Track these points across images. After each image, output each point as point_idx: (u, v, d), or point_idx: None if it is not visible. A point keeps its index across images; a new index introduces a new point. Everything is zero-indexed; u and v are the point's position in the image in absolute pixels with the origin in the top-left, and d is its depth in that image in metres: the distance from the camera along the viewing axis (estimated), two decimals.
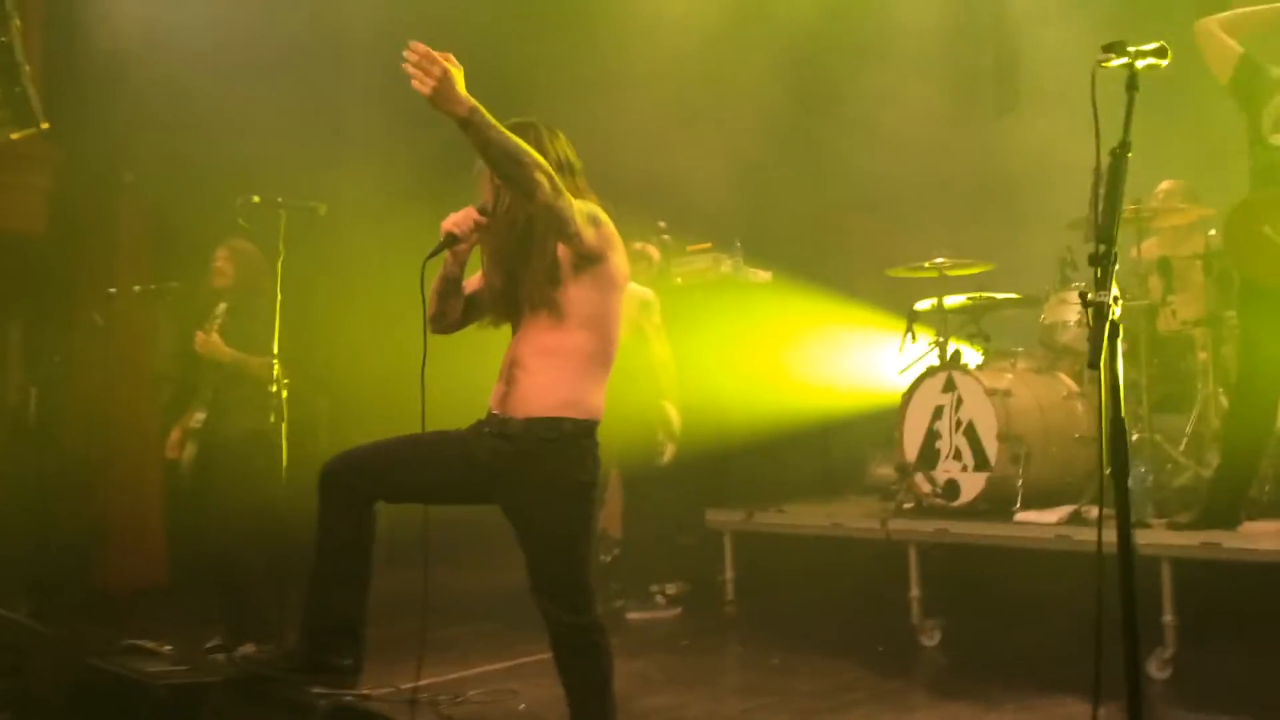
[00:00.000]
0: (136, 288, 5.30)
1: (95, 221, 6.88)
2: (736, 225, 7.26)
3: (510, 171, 2.63)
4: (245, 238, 4.96)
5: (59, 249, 6.69)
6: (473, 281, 3.06)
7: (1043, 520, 4.70)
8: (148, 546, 6.97)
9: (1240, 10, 4.29)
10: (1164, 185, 5.41)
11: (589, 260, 2.82)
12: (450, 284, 2.96)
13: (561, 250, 2.82)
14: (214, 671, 3.37)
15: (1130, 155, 2.26)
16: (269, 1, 6.66)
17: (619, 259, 2.89)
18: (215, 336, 4.84)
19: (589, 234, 2.77)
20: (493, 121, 2.57)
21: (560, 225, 2.71)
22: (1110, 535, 2.20)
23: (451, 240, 2.86)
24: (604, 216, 2.85)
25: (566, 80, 7.21)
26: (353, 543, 2.96)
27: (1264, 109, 4.13)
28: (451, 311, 3.00)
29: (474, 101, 2.54)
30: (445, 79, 2.48)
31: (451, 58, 2.53)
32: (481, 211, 2.88)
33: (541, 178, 2.63)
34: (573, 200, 2.74)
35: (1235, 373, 4.57)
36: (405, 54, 2.49)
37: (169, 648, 4.18)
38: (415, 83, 2.48)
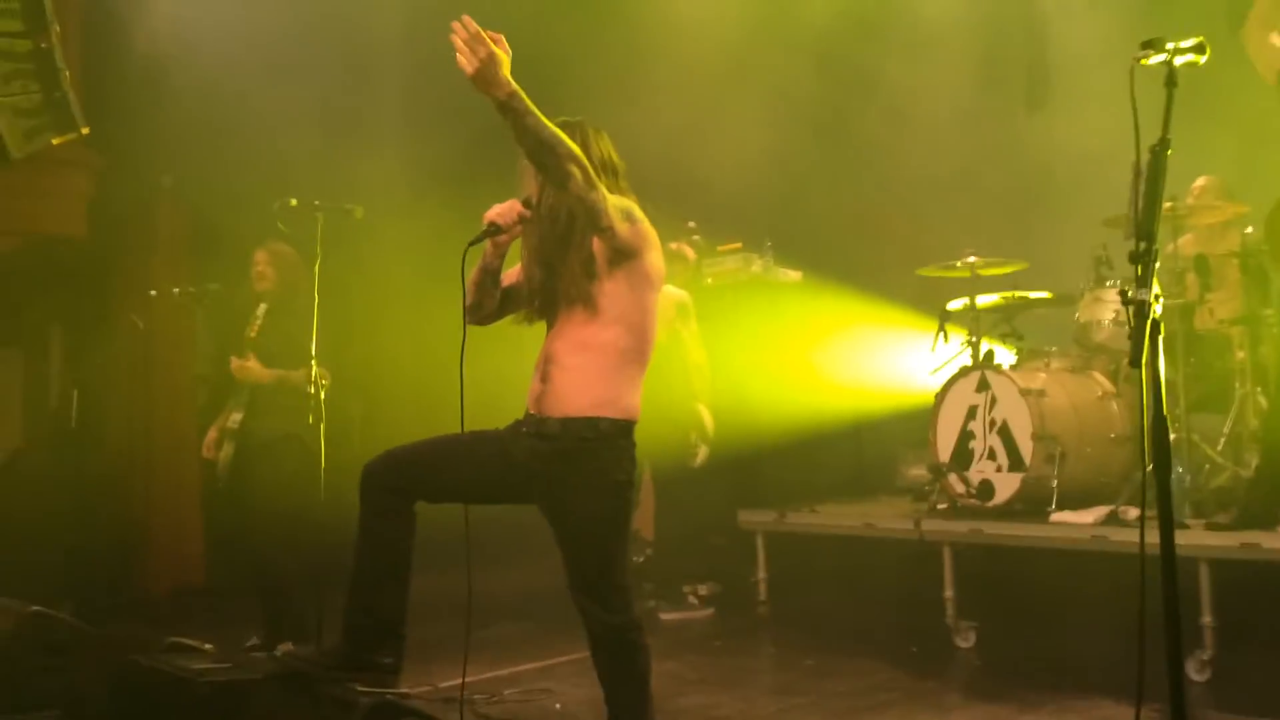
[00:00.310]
0: (176, 290, 5.37)
1: (135, 225, 6.97)
2: (766, 225, 7.26)
3: (544, 159, 2.66)
4: (283, 240, 5.02)
5: (99, 252, 6.77)
6: (510, 274, 3.08)
7: (1079, 521, 4.67)
8: (186, 548, 7.05)
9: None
10: (1199, 181, 5.36)
11: (624, 255, 2.83)
12: (488, 275, 2.99)
13: (597, 246, 2.84)
14: (256, 669, 3.42)
15: (1170, 152, 2.25)
16: (299, 4, 6.72)
17: (654, 257, 2.91)
18: (252, 362, 4.91)
19: (623, 228, 2.79)
20: (532, 108, 2.60)
21: (593, 217, 2.73)
22: (1151, 536, 2.18)
23: (494, 230, 2.89)
24: (639, 214, 2.86)
25: (597, 79, 7.23)
26: (393, 542, 2.99)
27: None
28: (489, 302, 3.02)
29: (515, 86, 2.57)
30: (490, 59, 2.52)
31: (502, 40, 2.57)
32: (525, 204, 2.91)
33: (574, 169, 2.65)
34: (608, 194, 2.76)
35: (1275, 371, 4.50)
36: (455, 27, 2.52)
37: (210, 646, 4.25)
38: (461, 59, 2.52)
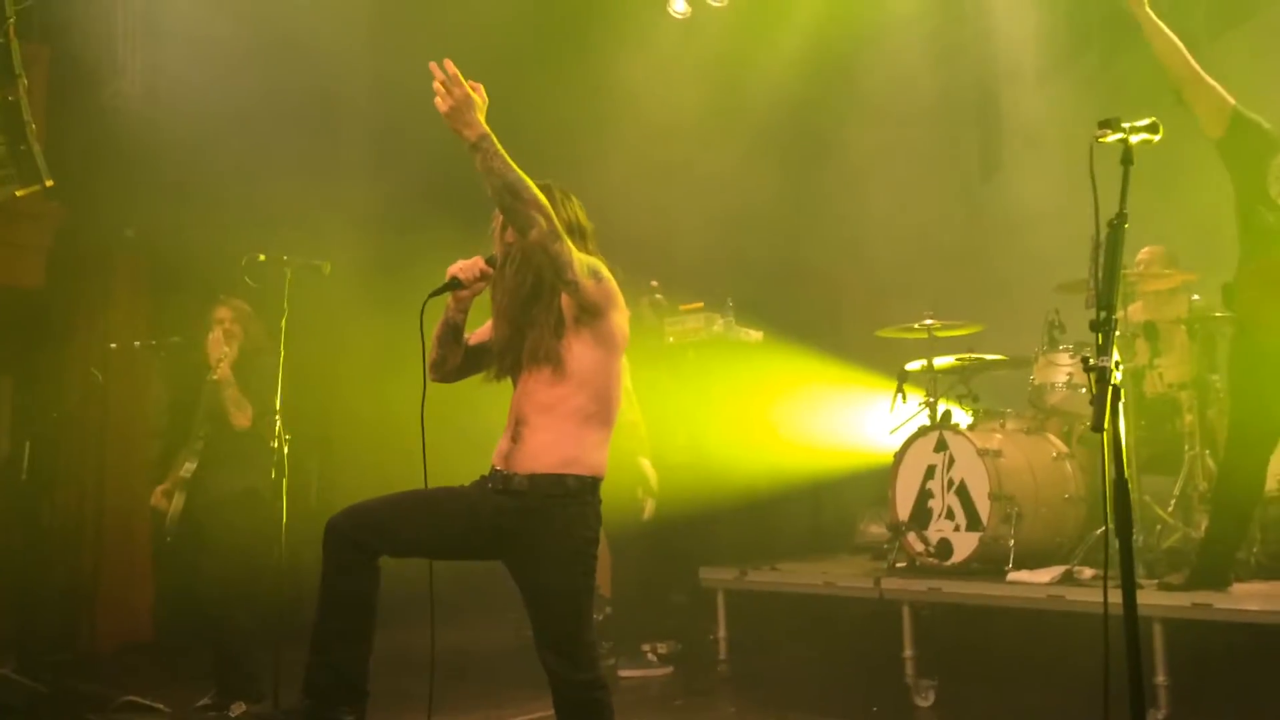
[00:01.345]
0: (137, 343, 5.33)
1: (95, 277, 6.92)
2: (728, 285, 7.36)
3: (508, 203, 2.72)
4: (240, 296, 5.01)
5: (57, 304, 6.71)
6: (478, 333, 3.11)
7: (1035, 580, 4.73)
8: (135, 603, 6.91)
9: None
10: (1144, 251, 5.53)
11: (590, 314, 2.87)
12: (450, 330, 3.02)
13: (565, 305, 2.87)
14: None
15: (1127, 225, 2.35)
16: (267, 63, 6.77)
17: (620, 318, 2.94)
18: (225, 367, 4.86)
19: (588, 284, 2.82)
20: (501, 152, 2.68)
21: (558, 268, 2.77)
22: (1111, 596, 2.24)
23: (455, 284, 2.93)
24: (606, 273, 2.90)
25: (559, 142, 7.33)
26: (357, 597, 2.95)
27: (1266, 168, 4.09)
28: (451, 358, 3.05)
29: (487, 129, 2.67)
30: (465, 100, 2.64)
31: (480, 88, 2.69)
32: (489, 262, 2.95)
33: (539, 216, 2.71)
34: (574, 249, 2.81)
35: (1223, 435, 4.61)
36: (433, 68, 2.64)
37: (163, 706, 4.17)
38: (437, 99, 2.64)
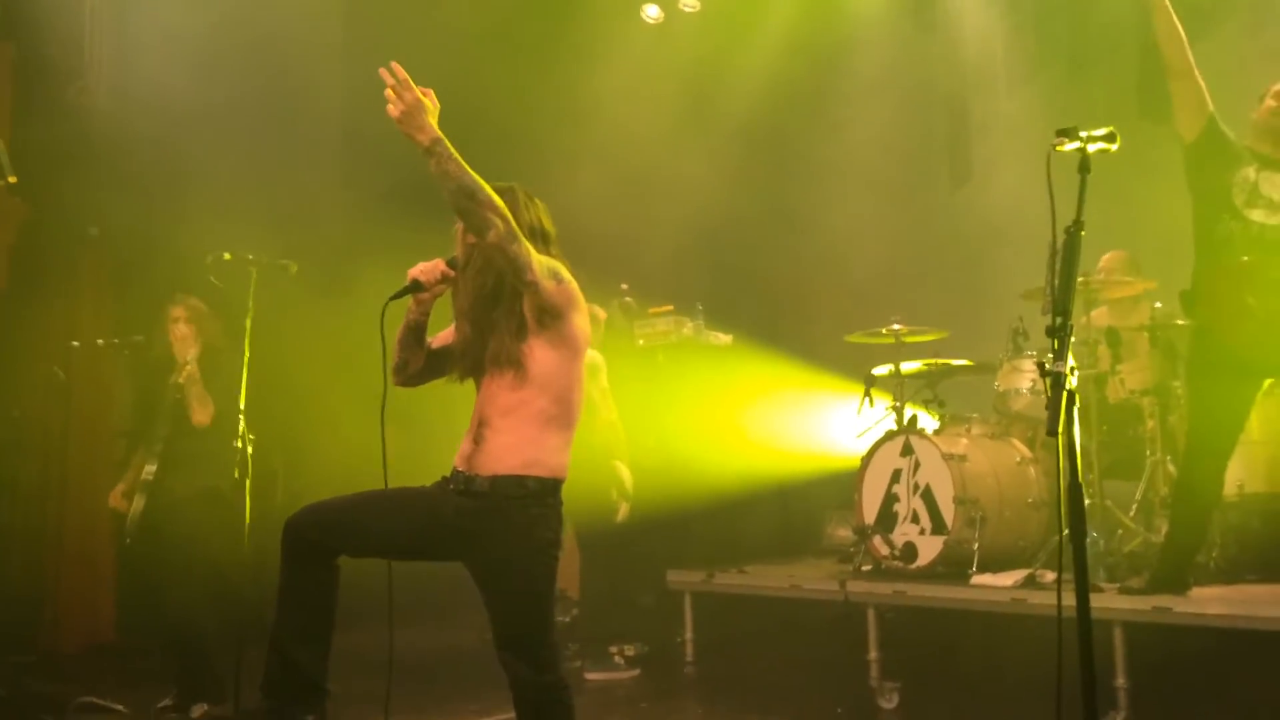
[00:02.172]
0: (100, 341, 5.28)
1: (58, 275, 6.83)
2: (698, 289, 7.38)
3: (464, 205, 2.72)
4: (204, 295, 4.97)
5: (19, 302, 6.62)
6: (441, 336, 3.11)
7: (998, 584, 4.77)
8: (97, 604, 6.83)
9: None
10: (1106, 257, 5.59)
11: (550, 315, 2.87)
12: (412, 333, 3.02)
13: (527, 307, 2.87)
14: None
15: (1083, 233, 2.38)
16: (237, 62, 6.74)
17: (580, 320, 2.95)
18: (194, 364, 4.82)
19: (548, 285, 2.83)
20: (455, 155, 2.69)
21: (516, 269, 2.77)
22: (1067, 599, 2.26)
23: (416, 287, 2.93)
24: (566, 274, 2.91)
25: (529, 145, 7.33)
26: (315, 597, 2.95)
27: (1232, 178, 4.13)
28: (413, 361, 3.05)
29: (439, 133, 2.68)
30: (416, 105, 2.65)
31: (431, 93, 2.70)
32: (450, 265, 2.95)
33: (495, 218, 2.71)
34: (533, 250, 2.81)
35: (1183, 441, 4.67)
36: (382, 73, 2.64)
37: (121, 707, 4.13)
38: (389, 105, 2.65)
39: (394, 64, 2.64)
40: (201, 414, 4.82)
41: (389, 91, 2.64)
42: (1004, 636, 4.77)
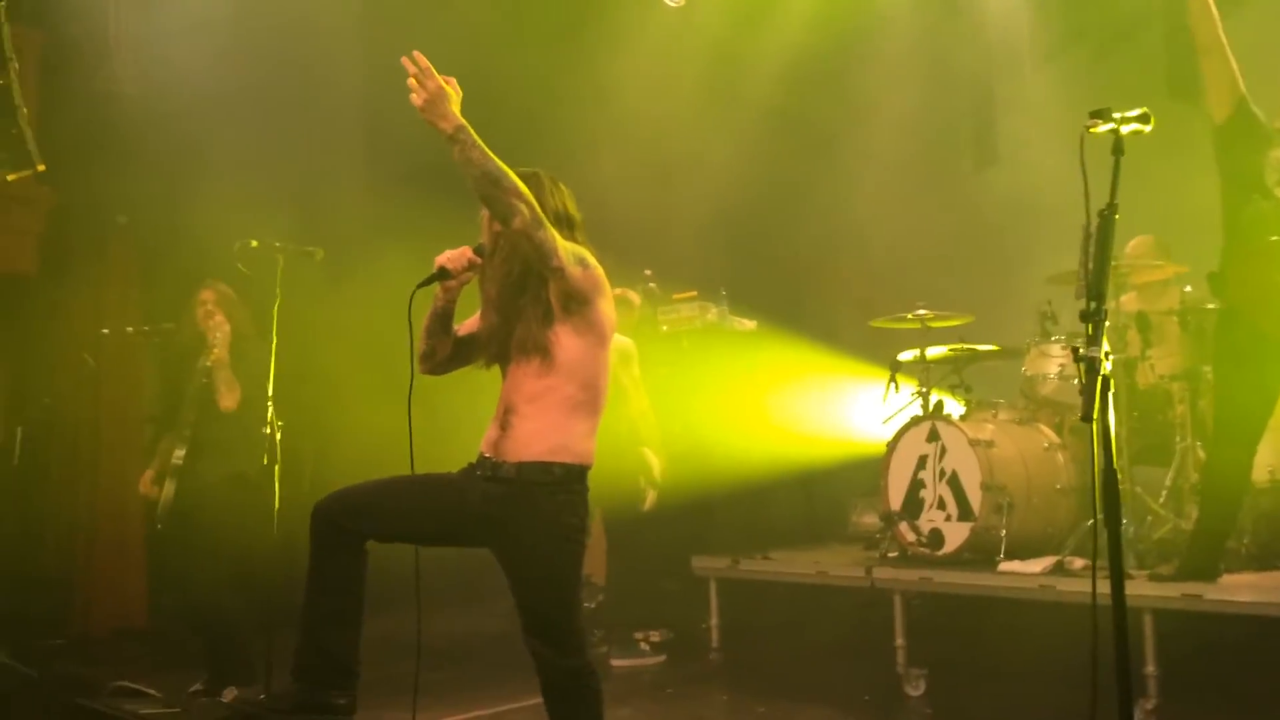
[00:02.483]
0: (130, 328, 5.32)
1: (87, 262, 6.89)
2: (722, 274, 7.36)
3: (488, 192, 2.72)
4: (230, 282, 5.00)
5: (49, 289, 6.69)
6: (468, 324, 3.12)
7: (1026, 570, 4.74)
8: (128, 588, 6.91)
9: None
10: (1133, 242, 5.52)
11: (576, 302, 2.86)
12: (439, 320, 3.03)
13: (553, 294, 2.87)
14: (206, 714, 3.36)
15: (1117, 216, 2.35)
16: (260, 49, 6.76)
17: (607, 306, 2.94)
18: (223, 348, 4.86)
19: (574, 271, 2.82)
20: (478, 143, 2.68)
21: (542, 255, 2.77)
22: (1100, 586, 2.24)
23: (443, 274, 2.94)
24: (593, 261, 2.90)
25: (551, 130, 7.32)
26: (344, 582, 2.96)
27: (1263, 159, 4.08)
28: (440, 349, 3.05)
29: (463, 121, 2.67)
30: (439, 93, 2.65)
31: (453, 81, 2.70)
32: (477, 252, 2.95)
33: (520, 204, 2.71)
34: (558, 236, 2.80)
35: (1211, 426, 4.63)
36: (404, 62, 2.64)
37: (155, 692, 4.17)
38: (412, 94, 2.65)
39: (416, 53, 2.64)
40: (229, 399, 4.86)
41: (411, 80, 2.64)
42: (1031, 624, 4.75)
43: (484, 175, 2.69)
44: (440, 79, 2.65)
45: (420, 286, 2.92)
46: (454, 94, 2.68)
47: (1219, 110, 4.16)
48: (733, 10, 8.13)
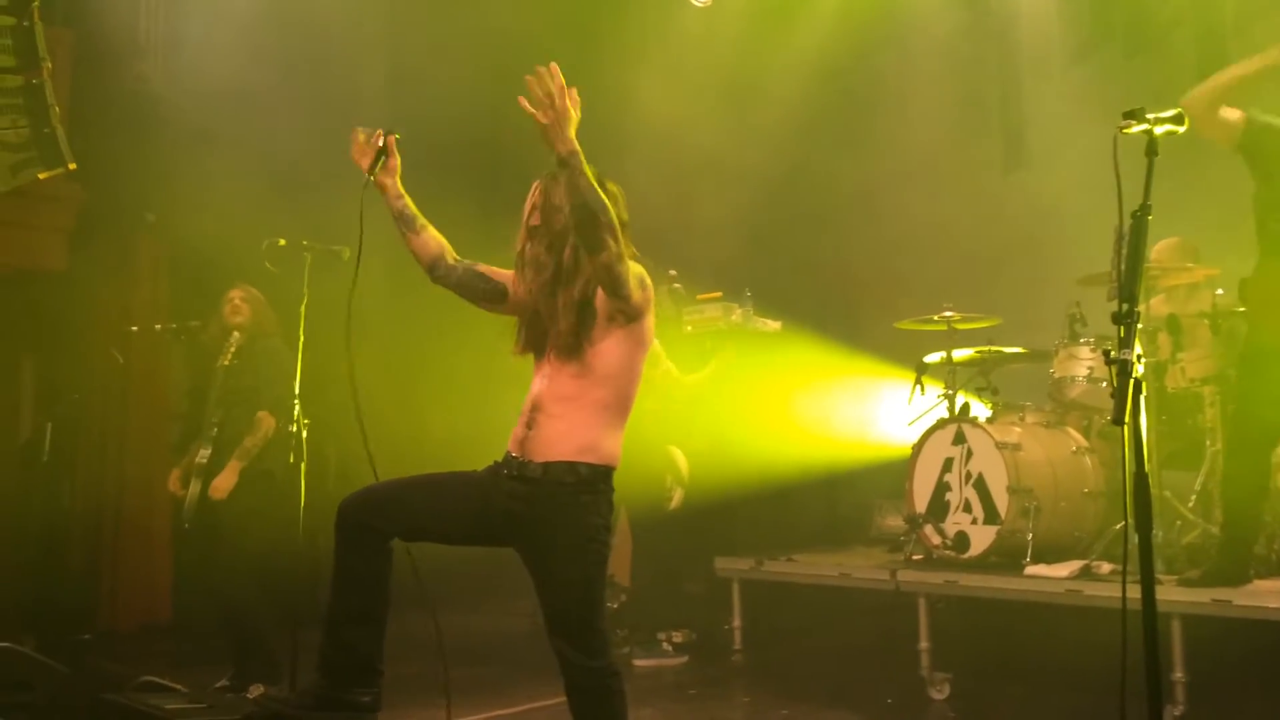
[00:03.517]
0: (158, 326, 5.37)
1: (116, 260, 6.96)
2: (747, 275, 7.33)
3: (585, 222, 2.71)
4: (265, 280, 5.03)
5: (79, 286, 6.76)
6: (493, 270, 3.13)
7: (1053, 574, 4.71)
8: (154, 584, 6.96)
9: (1222, 78, 4.17)
10: (1162, 242, 5.47)
11: (626, 318, 2.88)
12: (400, 221, 3.11)
13: (600, 301, 2.87)
14: (232, 709, 3.38)
15: (1150, 217, 2.32)
16: (287, 49, 6.81)
17: (651, 320, 2.97)
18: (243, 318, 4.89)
19: (638, 296, 2.85)
20: (587, 170, 2.68)
21: (614, 286, 2.79)
22: (1129, 591, 2.22)
23: (372, 169, 3.03)
24: (649, 280, 2.92)
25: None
26: (370, 579, 2.97)
27: None
28: (421, 251, 3.11)
29: (577, 146, 2.66)
30: (565, 115, 2.64)
31: (576, 99, 2.67)
32: (363, 132, 3.03)
33: (611, 241, 2.72)
34: (629, 264, 2.82)
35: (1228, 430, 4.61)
36: (540, 73, 2.62)
37: (182, 687, 4.17)
38: (540, 111, 2.63)
39: (553, 66, 2.62)
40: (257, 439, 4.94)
41: (539, 93, 2.61)
42: (1058, 628, 4.71)
43: (585, 205, 2.69)
44: (569, 101, 2.63)
45: (366, 186, 3.02)
46: (576, 116, 2.66)
47: (1225, 144, 4.21)
48: (758, 11, 8.11)
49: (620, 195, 3.02)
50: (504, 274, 3.13)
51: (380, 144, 3.03)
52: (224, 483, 4.83)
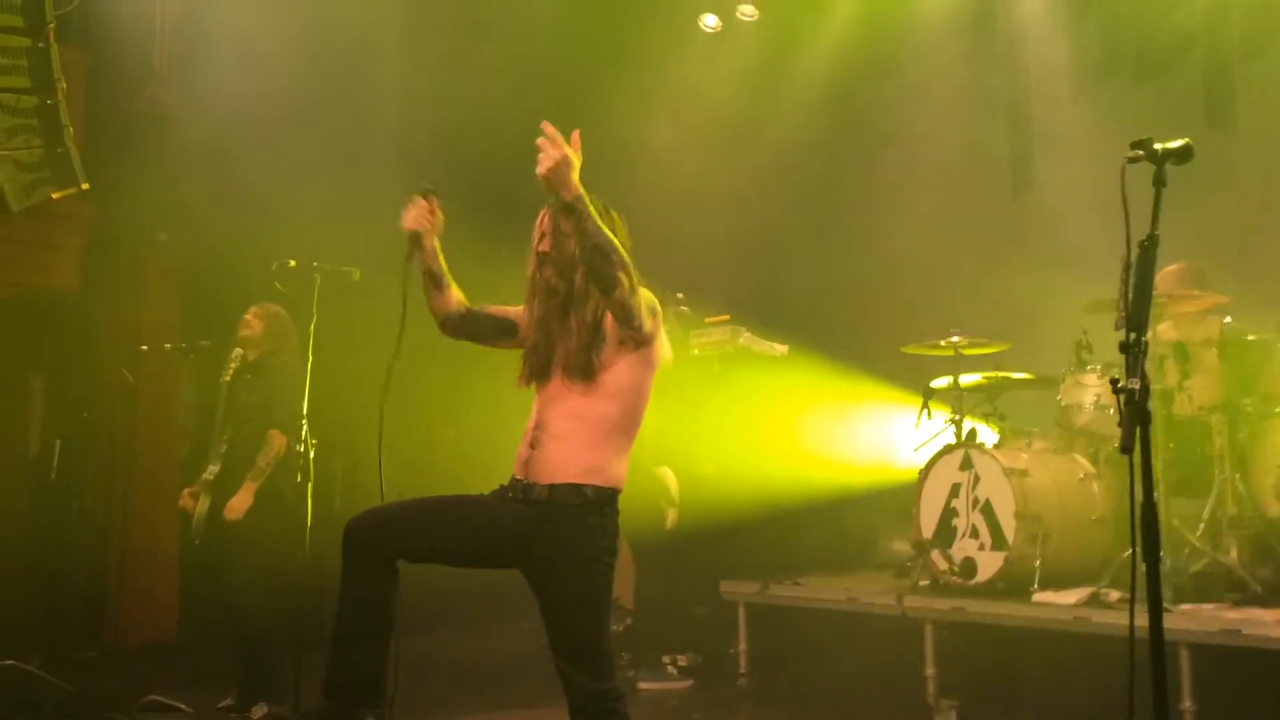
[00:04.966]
0: (167, 345, 5.39)
1: (127, 279, 6.99)
2: (754, 298, 7.34)
3: (597, 263, 2.75)
4: (275, 301, 5.05)
5: (90, 306, 6.79)
6: (501, 309, 3.15)
7: (1061, 601, 4.69)
8: (159, 602, 6.96)
9: None
10: (1171, 267, 5.46)
11: (635, 343, 2.90)
12: (430, 279, 3.08)
13: (609, 325, 2.89)
14: None
15: (1158, 247, 2.33)
16: (300, 71, 6.86)
17: (661, 344, 2.99)
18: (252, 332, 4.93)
19: (649, 325, 2.87)
20: (594, 214, 2.72)
21: (627, 319, 2.82)
22: (1136, 619, 2.21)
23: (417, 239, 3.00)
24: (659, 307, 2.95)
25: (588, 154, 7.34)
26: (375, 598, 2.97)
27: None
28: (436, 304, 3.10)
29: (582, 191, 2.69)
30: (563, 163, 2.66)
31: (576, 139, 2.71)
32: (426, 194, 3.01)
33: (623, 277, 2.75)
34: (641, 295, 2.84)
35: (1256, 459, 4.56)
36: (545, 127, 2.65)
37: (185, 707, 4.19)
38: (539, 163, 2.65)
39: (546, 124, 2.65)
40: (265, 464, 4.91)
41: (541, 145, 2.65)
42: (1065, 656, 4.68)
43: (595, 248, 2.73)
44: (567, 148, 2.66)
45: (409, 261, 2.97)
46: (576, 160, 2.69)
47: None
48: (767, 36, 8.16)
49: (621, 222, 3.04)
50: (510, 310, 3.15)
51: (433, 204, 3.01)
52: (239, 503, 4.82)
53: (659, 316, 2.93)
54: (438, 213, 3.03)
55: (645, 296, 2.88)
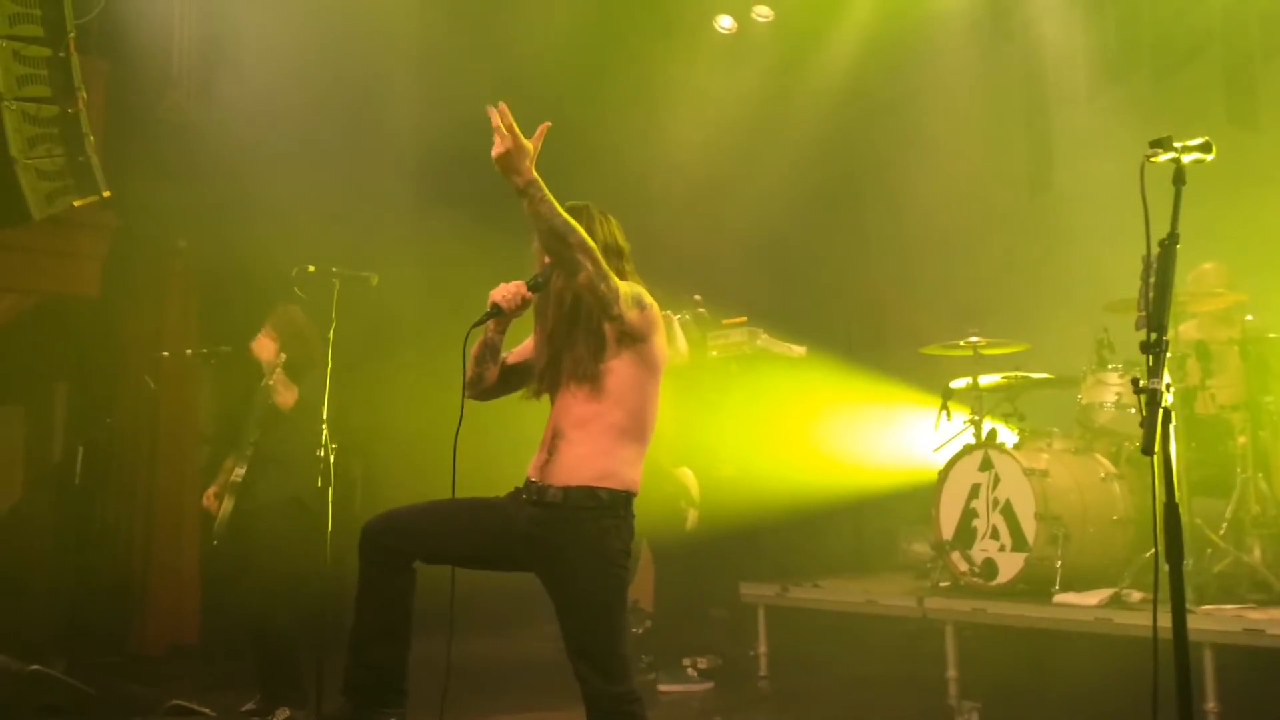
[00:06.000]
0: (188, 351, 5.42)
1: (148, 286, 7.04)
2: (772, 299, 7.34)
3: (556, 247, 2.77)
4: (296, 306, 5.07)
5: (112, 312, 6.85)
6: (515, 352, 3.16)
7: (1082, 602, 4.66)
8: (182, 607, 7.00)
9: None
10: (1206, 266, 5.43)
11: (632, 339, 2.92)
12: (489, 350, 3.07)
13: (607, 328, 2.92)
14: None
15: (1179, 246, 2.32)
16: (318, 79, 6.91)
17: (660, 341, 3.00)
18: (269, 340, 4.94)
19: (632, 315, 2.88)
20: (548, 197, 2.73)
21: (603, 305, 2.84)
22: (1159, 619, 2.20)
23: (496, 311, 2.97)
24: (649, 299, 2.96)
25: (603, 155, 7.37)
26: (394, 599, 2.99)
27: None
28: (488, 375, 3.09)
29: (535, 175, 2.71)
30: (518, 149, 2.68)
31: (540, 132, 2.76)
32: (531, 287, 2.98)
33: (585, 259, 2.77)
34: (619, 282, 2.85)
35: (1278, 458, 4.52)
36: (490, 111, 2.67)
37: (209, 711, 4.21)
38: (494, 146, 2.68)
39: (501, 105, 2.68)
40: (286, 396, 4.89)
41: (495, 128, 2.67)
42: (1088, 657, 4.66)
43: (551, 230, 2.75)
44: (521, 135, 2.68)
45: (476, 326, 2.97)
46: (531, 149, 2.72)
47: None
48: (784, 37, 8.16)
49: (615, 222, 3.09)
50: (514, 354, 3.16)
51: (528, 299, 2.98)
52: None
53: (650, 312, 2.94)
54: (528, 302, 3.00)
55: (632, 288, 2.91)
